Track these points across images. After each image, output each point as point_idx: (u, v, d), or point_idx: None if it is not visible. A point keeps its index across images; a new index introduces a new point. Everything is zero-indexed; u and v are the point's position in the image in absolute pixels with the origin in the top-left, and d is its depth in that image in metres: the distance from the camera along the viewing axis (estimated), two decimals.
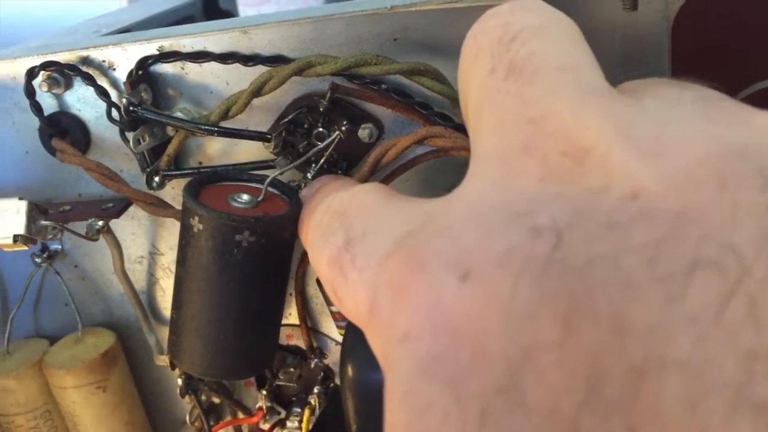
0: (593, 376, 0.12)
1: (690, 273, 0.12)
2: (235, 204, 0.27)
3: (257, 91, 0.29)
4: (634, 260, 0.12)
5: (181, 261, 0.27)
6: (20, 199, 0.30)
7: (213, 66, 0.31)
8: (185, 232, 0.26)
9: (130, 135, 0.30)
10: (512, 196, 0.15)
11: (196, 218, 0.25)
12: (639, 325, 0.12)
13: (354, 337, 0.27)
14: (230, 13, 0.57)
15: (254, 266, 0.26)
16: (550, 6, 0.19)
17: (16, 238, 0.29)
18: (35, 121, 0.32)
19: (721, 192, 0.12)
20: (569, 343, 0.12)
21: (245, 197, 0.27)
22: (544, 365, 0.12)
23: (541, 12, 0.18)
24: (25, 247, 0.30)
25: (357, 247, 0.19)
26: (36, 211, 0.30)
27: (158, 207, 0.31)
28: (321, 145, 0.29)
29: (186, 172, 0.32)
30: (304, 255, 0.33)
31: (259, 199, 0.27)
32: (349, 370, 0.26)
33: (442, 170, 0.31)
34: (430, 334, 0.14)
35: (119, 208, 0.33)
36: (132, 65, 0.31)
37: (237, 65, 0.30)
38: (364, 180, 0.29)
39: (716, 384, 0.11)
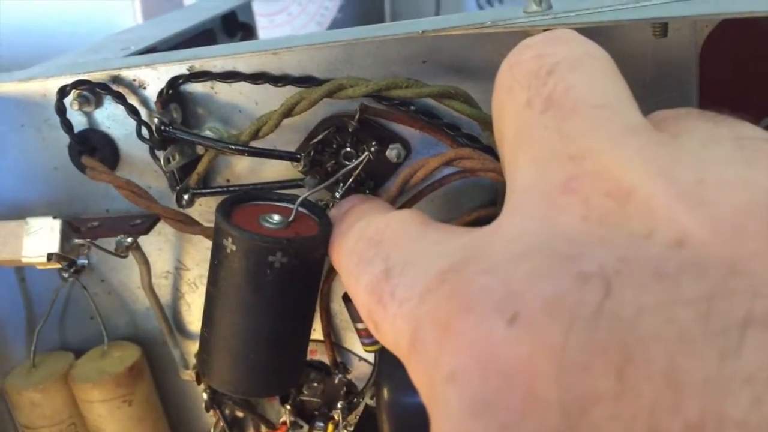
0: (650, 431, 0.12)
1: (743, 329, 0.12)
2: (267, 225, 0.27)
3: (288, 112, 0.29)
4: (687, 313, 0.12)
5: (213, 280, 0.27)
6: (54, 218, 0.31)
7: (242, 86, 0.31)
8: (218, 252, 0.27)
9: (160, 154, 0.31)
10: (556, 235, 0.15)
11: (230, 239, 0.26)
12: (694, 381, 0.12)
13: (389, 359, 0.28)
14: (248, 25, 0.58)
15: (286, 286, 0.26)
16: (584, 37, 0.19)
17: (50, 257, 0.30)
18: (64, 138, 0.33)
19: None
20: (624, 396, 0.12)
21: (276, 218, 0.27)
22: (599, 418, 0.12)
23: (576, 44, 0.19)
24: (59, 265, 0.31)
25: (396, 279, 0.19)
26: (69, 230, 0.31)
27: (187, 224, 0.32)
28: (350, 165, 0.30)
29: (215, 190, 0.32)
30: (329, 272, 0.34)
31: (290, 219, 0.27)
32: (385, 393, 0.27)
33: (466, 191, 0.32)
34: (480, 375, 0.14)
35: (147, 224, 0.33)
36: (162, 84, 0.31)
37: (266, 85, 0.31)
38: (392, 200, 0.29)
39: None
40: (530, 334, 0.13)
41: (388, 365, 0.28)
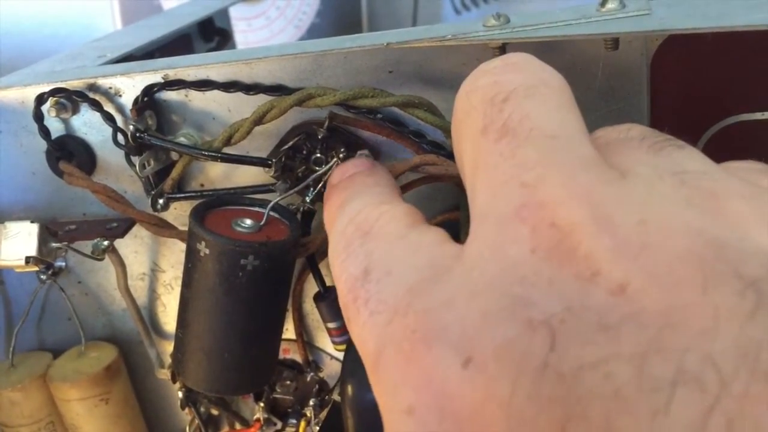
0: None
1: (673, 387, 0.12)
2: (239, 229, 0.28)
3: (259, 120, 0.30)
4: (623, 370, 0.13)
5: (187, 283, 0.28)
6: (32, 222, 0.31)
7: (215, 94, 0.32)
8: (192, 256, 0.28)
9: (135, 159, 0.32)
10: (507, 270, 0.15)
11: (203, 243, 0.27)
12: None
13: (354, 357, 0.29)
14: (225, 30, 0.58)
15: (258, 288, 0.27)
16: (540, 62, 0.19)
17: (28, 260, 0.31)
18: (42, 144, 0.34)
19: (702, 295, 0.13)
20: None
21: (248, 222, 0.28)
22: None
23: (532, 72, 0.19)
24: (36, 268, 0.31)
25: (372, 286, 0.19)
26: (46, 234, 0.32)
27: (162, 227, 0.33)
28: (320, 170, 0.31)
29: (189, 195, 0.33)
30: (301, 273, 0.35)
31: (262, 223, 0.28)
32: (350, 390, 0.28)
33: (432, 195, 0.33)
34: (436, 415, 0.14)
35: (123, 227, 0.34)
36: (137, 92, 0.32)
37: (238, 94, 0.32)
38: None
39: None
40: (482, 380, 0.14)
41: (352, 363, 0.29)
